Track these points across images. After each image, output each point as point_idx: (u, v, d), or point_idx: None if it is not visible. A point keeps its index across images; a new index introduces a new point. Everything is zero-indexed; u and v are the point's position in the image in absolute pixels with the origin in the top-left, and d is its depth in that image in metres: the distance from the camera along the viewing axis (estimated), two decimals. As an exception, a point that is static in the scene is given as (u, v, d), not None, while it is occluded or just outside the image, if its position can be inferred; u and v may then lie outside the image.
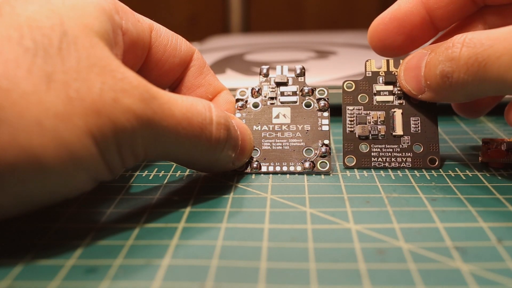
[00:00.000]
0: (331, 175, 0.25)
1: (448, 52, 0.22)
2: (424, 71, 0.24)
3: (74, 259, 0.18)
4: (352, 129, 0.26)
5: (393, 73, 0.26)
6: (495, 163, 0.25)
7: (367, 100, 0.26)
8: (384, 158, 0.26)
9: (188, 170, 0.26)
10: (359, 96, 0.26)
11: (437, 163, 0.25)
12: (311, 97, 0.27)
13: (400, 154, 0.26)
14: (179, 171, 0.26)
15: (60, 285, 0.16)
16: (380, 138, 0.26)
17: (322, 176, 0.25)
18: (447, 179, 0.24)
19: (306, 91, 0.27)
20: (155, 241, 0.19)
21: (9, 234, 0.19)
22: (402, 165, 0.25)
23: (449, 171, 0.25)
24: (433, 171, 0.25)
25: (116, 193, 0.23)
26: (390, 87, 0.26)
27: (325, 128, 0.26)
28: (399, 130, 0.26)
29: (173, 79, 0.26)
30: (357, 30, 0.68)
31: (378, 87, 0.26)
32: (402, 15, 0.25)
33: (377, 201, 0.22)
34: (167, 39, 0.25)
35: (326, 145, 0.25)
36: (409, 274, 0.16)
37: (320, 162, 0.25)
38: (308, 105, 0.26)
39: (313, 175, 0.25)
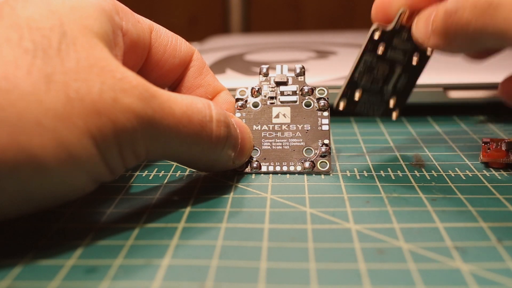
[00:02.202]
0: (331, 175, 0.25)
1: None
2: (434, 15, 0.23)
3: (74, 259, 0.18)
4: (357, 77, 0.25)
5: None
6: (495, 163, 0.25)
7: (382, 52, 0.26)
8: (366, 105, 0.26)
9: (188, 170, 0.26)
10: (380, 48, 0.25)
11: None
12: (311, 97, 0.27)
13: (378, 106, 0.26)
14: (179, 171, 0.26)
15: (60, 285, 0.16)
16: (371, 89, 0.26)
17: (322, 176, 0.25)
18: (447, 179, 0.24)
19: (306, 90, 0.27)
20: (155, 241, 0.19)
21: (9, 234, 0.19)
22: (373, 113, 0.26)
23: (449, 171, 0.25)
24: (433, 171, 0.25)
25: (116, 193, 0.23)
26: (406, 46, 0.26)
27: (325, 127, 0.26)
28: (390, 86, 0.26)
29: (173, 79, 0.26)
30: (357, 30, 0.68)
31: (396, 42, 0.25)
32: None
33: (377, 201, 0.22)
34: (167, 40, 0.25)
35: (326, 145, 0.25)
36: (409, 274, 0.16)
37: (320, 162, 0.25)
38: (308, 105, 0.26)
39: (313, 175, 0.25)
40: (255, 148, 0.26)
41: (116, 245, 0.19)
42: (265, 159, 0.25)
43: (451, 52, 0.24)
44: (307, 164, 0.25)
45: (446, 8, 0.22)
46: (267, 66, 0.27)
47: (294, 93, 0.27)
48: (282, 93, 0.27)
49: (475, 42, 0.22)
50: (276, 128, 0.26)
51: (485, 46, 0.22)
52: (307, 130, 0.26)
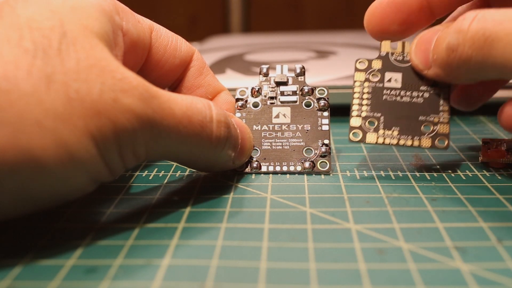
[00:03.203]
0: (331, 175, 0.25)
1: (457, 25, 0.21)
2: (434, 45, 0.23)
3: (74, 259, 0.18)
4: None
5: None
6: (495, 163, 0.25)
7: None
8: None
9: (188, 170, 0.26)
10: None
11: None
12: (311, 97, 0.27)
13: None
14: (179, 171, 0.26)
15: (60, 285, 0.16)
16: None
17: (322, 176, 0.25)
18: (447, 179, 0.24)
19: (306, 90, 0.27)
20: (155, 241, 0.19)
21: (9, 234, 0.19)
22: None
23: (449, 171, 0.25)
24: (433, 171, 0.25)
25: (116, 193, 0.23)
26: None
27: (325, 127, 0.26)
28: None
29: (173, 79, 0.26)
30: (357, 30, 0.68)
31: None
32: (400, 0, 0.25)
33: (377, 201, 0.22)
34: (167, 40, 0.25)
35: (326, 145, 0.25)
36: (409, 274, 0.16)
37: (320, 162, 0.25)
38: (308, 105, 0.26)
39: (313, 175, 0.25)
40: (255, 148, 0.26)
41: (116, 245, 0.19)
42: (265, 159, 0.25)
43: (452, 82, 0.25)
44: (307, 164, 0.25)
45: (448, 42, 0.22)
46: (267, 66, 0.27)
47: (294, 93, 0.27)
48: (282, 93, 0.27)
49: (476, 74, 0.22)
50: (276, 128, 0.26)
51: (487, 78, 0.22)
52: (307, 130, 0.26)
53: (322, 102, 0.26)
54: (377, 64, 0.26)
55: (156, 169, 0.26)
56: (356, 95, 0.25)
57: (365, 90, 0.25)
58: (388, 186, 0.23)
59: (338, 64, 0.43)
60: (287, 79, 0.27)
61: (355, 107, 0.25)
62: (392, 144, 0.25)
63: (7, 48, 0.17)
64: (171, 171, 0.26)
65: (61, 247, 0.18)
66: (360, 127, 0.25)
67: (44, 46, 0.17)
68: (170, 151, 0.20)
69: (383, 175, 0.25)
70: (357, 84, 0.26)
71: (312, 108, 0.26)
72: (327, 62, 0.44)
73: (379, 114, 0.25)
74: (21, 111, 0.16)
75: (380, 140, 0.25)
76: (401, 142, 0.25)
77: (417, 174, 0.25)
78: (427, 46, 0.24)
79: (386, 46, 0.26)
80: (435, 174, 0.25)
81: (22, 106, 0.16)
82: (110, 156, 0.18)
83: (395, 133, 0.25)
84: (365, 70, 0.26)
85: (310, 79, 0.33)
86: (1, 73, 0.16)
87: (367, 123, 0.25)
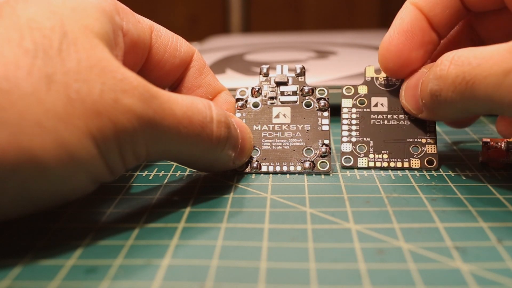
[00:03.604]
0: (331, 175, 0.25)
1: (436, 70, 0.21)
2: (420, 90, 0.23)
3: (74, 259, 0.18)
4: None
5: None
6: (495, 163, 0.25)
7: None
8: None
9: (188, 170, 0.26)
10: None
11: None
12: (311, 97, 0.27)
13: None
14: (179, 171, 0.26)
15: (60, 285, 0.16)
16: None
17: (322, 176, 0.25)
18: (447, 179, 0.24)
19: (306, 90, 0.27)
20: (155, 241, 0.19)
21: (9, 234, 0.19)
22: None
23: (449, 171, 0.25)
24: (433, 171, 0.25)
25: (116, 193, 0.23)
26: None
27: (325, 128, 0.26)
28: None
29: (173, 79, 0.26)
30: (357, 30, 0.68)
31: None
32: (409, 25, 0.24)
33: (377, 201, 0.22)
34: (167, 40, 0.25)
35: (326, 145, 0.25)
36: (409, 274, 0.16)
37: (320, 162, 0.25)
38: (308, 105, 0.26)
39: (313, 175, 0.25)
40: (255, 148, 0.26)
41: (116, 245, 0.19)
42: (265, 159, 0.26)
43: (445, 120, 0.26)
44: (307, 164, 0.25)
45: (430, 88, 0.22)
46: (267, 66, 0.27)
47: (294, 93, 0.27)
48: (282, 93, 0.27)
49: (465, 113, 0.22)
50: (276, 128, 0.26)
51: (477, 113, 0.23)
52: (307, 130, 0.26)
53: (322, 102, 0.26)
54: (363, 90, 0.27)
55: (156, 169, 0.26)
56: (344, 121, 0.26)
57: (353, 116, 0.27)
58: (388, 186, 0.23)
59: (338, 64, 0.43)
60: (287, 79, 0.27)
61: (344, 133, 0.26)
62: (383, 167, 0.26)
63: (7, 48, 0.17)
64: (171, 171, 0.26)
65: (61, 247, 0.18)
66: (351, 153, 0.26)
67: (45, 46, 0.17)
68: (170, 151, 0.20)
69: (383, 175, 0.25)
70: (345, 110, 0.27)
71: (312, 108, 0.26)
72: (327, 62, 0.44)
73: (368, 139, 0.26)
74: (22, 111, 0.16)
75: (371, 164, 0.26)
76: (392, 164, 0.25)
77: (417, 174, 0.25)
78: (414, 92, 0.24)
79: (370, 71, 0.27)
80: (435, 174, 0.25)
81: (22, 106, 0.16)
82: (110, 157, 0.18)
83: (385, 156, 0.26)
84: (351, 97, 0.27)
85: (310, 79, 0.33)
86: (2, 73, 0.16)
87: (357, 148, 0.26)
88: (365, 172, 0.25)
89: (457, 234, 0.19)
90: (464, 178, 0.24)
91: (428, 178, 0.24)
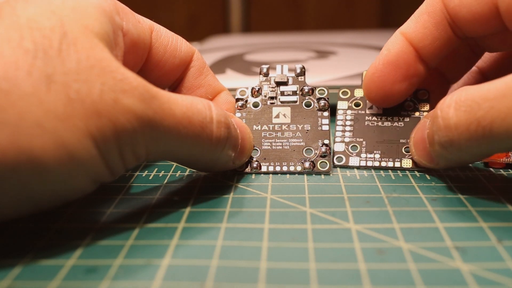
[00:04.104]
0: (331, 175, 0.25)
1: (438, 121, 0.20)
2: (428, 143, 0.22)
3: (74, 259, 0.18)
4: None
5: None
6: (495, 163, 0.25)
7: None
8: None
9: (188, 170, 0.26)
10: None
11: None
12: (311, 97, 0.27)
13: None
14: (179, 171, 0.26)
15: (60, 285, 0.16)
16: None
17: (322, 176, 0.25)
18: (447, 179, 0.24)
19: (306, 90, 0.27)
20: (155, 241, 0.19)
21: (9, 234, 0.19)
22: None
23: (449, 171, 0.25)
24: (433, 171, 0.25)
25: (116, 193, 0.23)
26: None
27: (325, 128, 0.26)
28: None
29: (173, 79, 0.26)
30: (357, 30, 0.68)
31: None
32: (394, 57, 0.24)
33: (377, 201, 0.22)
34: (167, 40, 0.25)
35: (326, 145, 0.25)
36: (409, 274, 0.16)
37: (320, 162, 0.25)
38: (308, 105, 0.26)
39: (313, 175, 0.25)
40: (255, 148, 0.26)
41: (116, 245, 0.19)
42: (265, 159, 0.26)
43: (467, 164, 0.25)
44: (307, 164, 0.25)
45: (439, 141, 0.21)
46: (267, 66, 0.27)
47: (294, 93, 0.27)
48: (282, 93, 0.27)
49: (485, 156, 0.21)
50: (276, 128, 0.26)
51: (498, 152, 0.21)
52: (307, 130, 0.26)
53: (322, 102, 0.26)
54: (359, 93, 0.27)
55: (156, 169, 0.26)
56: (339, 122, 0.27)
57: (348, 117, 0.27)
58: (388, 186, 0.23)
59: (338, 64, 0.43)
60: (287, 79, 0.27)
61: (338, 133, 0.27)
62: (374, 167, 0.26)
63: (7, 48, 0.17)
64: (171, 171, 0.26)
65: (61, 247, 0.18)
66: (343, 152, 0.26)
67: (45, 46, 0.17)
68: (170, 151, 0.20)
69: (383, 175, 0.25)
70: (340, 112, 0.27)
71: (312, 108, 0.26)
72: (327, 62, 0.44)
73: (361, 139, 0.26)
74: (22, 111, 0.16)
75: (363, 163, 0.26)
76: (383, 164, 0.26)
77: (417, 174, 0.25)
78: (423, 145, 0.23)
79: None
80: (435, 174, 0.25)
81: (22, 107, 0.16)
82: (110, 157, 0.18)
83: (377, 156, 0.26)
84: (347, 99, 0.27)
85: (310, 79, 0.33)
86: (2, 74, 0.16)
87: (350, 148, 0.26)
88: (365, 172, 0.25)
89: (457, 234, 0.19)
90: (464, 178, 0.24)
91: (428, 178, 0.24)
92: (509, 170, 0.25)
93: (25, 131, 0.16)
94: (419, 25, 0.24)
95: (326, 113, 0.26)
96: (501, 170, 0.25)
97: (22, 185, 0.17)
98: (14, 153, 0.16)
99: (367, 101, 0.27)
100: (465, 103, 0.19)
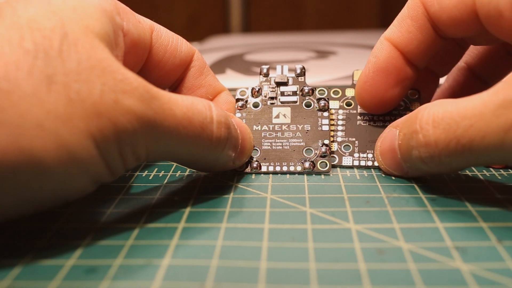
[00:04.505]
0: (331, 175, 0.25)
1: (419, 137, 0.20)
2: (400, 155, 0.22)
3: (74, 259, 0.18)
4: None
5: None
6: (495, 163, 0.25)
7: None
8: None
9: (188, 170, 0.26)
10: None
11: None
12: (311, 97, 0.27)
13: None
14: (179, 171, 0.26)
15: (60, 285, 0.16)
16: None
17: (322, 176, 0.25)
18: (447, 179, 0.24)
19: (306, 91, 0.27)
20: (155, 241, 0.19)
21: (9, 234, 0.19)
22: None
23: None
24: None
25: (116, 193, 0.23)
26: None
27: (325, 128, 0.26)
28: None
29: (173, 79, 0.26)
30: (357, 30, 0.68)
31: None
32: (384, 63, 0.24)
33: (377, 201, 0.22)
34: (167, 40, 0.25)
35: (326, 145, 0.25)
36: (409, 274, 0.16)
37: (320, 162, 0.25)
38: (308, 105, 0.27)
39: (313, 175, 0.25)
40: (255, 148, 0.26)
41: (116, 245, 0.19)
42: (265, 159, 0.26)
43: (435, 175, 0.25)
44: (307, 164, 0.25)
45: (418, 156, 0.21)
46: (267, 66, 0.27)
47: (294, 93, 0.27)
48: (282, 94, 0.27)
49: (461, 169, 0.22)
50: (276, 128, 0.26)
51: (476, 166, 0.22)
52: (307, 130, 0.26)
53: (322, 103, 0.26)
54: (350, 92, 0.27)
55: (156, 169, 0.26)
56: (331, 122, 0.27)
57: (340, 117, 0.27)
58: (388, 186, 0.23)
59: (338, 64, 0.43)
60: (287, 79, 0.27)
61: (331, 133, 0.26)
62: (367, 166, 0.26)
63: (8, 48, 0.17)
64: (171, 171, 0.26)
65: (61, 247, 0.18)
66: (336, 152, 0.26)
67: (45, 46, 0.17)
68: (170, 151, 0.20)
69: (383, 175, 0.25)
70: (332, 111, 0.27)
71: (312, 108, 0.26)
72: (327, 62, 0.44)
73: (353, 139, 0.26)
74: (22, 112, 0.16)
75: (356, 163, 0.26)
76: (376, 163, 0.25)
77: (417, 174, 0.25)
78: (393, 154, 0.23)
79: (358, 74, 0.27)
80: (435, 174, 0.25)
81: (22, 107, 0.16)
82: (110, 157, 0.18)
83: (370, 155, 0.26)
84: (339, 99, 0.27)
85: (310, 79, 0.33)
86: (2, 74, 0.16)
87: (342, 147, 0.26)
88: (365, 172, 0.25)
89: (457, 234, 0.19)
90: (464, 178, 0.24)
91: (428, 178, 0.24)
92: (509, 170, 0.25)
93: (25, 132, 0.16)
94: (403, 30, 0.24)
95: (326, 113, 0.26)
96: (501, 170, 0.25)
97: (22, 185, 0.17)
98: (15, 153, 0.16)
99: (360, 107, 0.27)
100: (444, 120, 0.19)
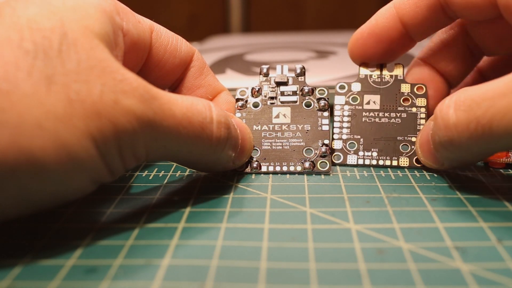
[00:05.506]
0: (331, 175, 0.25)
1: (438, 121, 0.21)
2: (432, 144, 0.23)
3: (74, 259, 0.18)
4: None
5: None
6: (495, 163, 0.25)
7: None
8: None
9: (188, 170, 0.26)
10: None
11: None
12: (311, 97, 0.27)
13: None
14: (179, 171, 0.26)
15: (60, 285, 0.16)
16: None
17: (322, 176, 0.25)
18: (447, 179, 0.24)
19: (306, 90, 0.27)
20: (155, 241, 0.19)
21: (9, 234, 0.19)
22: None
23: (449, 171, 0.25)
24: (433, 171, 0.25)
25: (116, 193, 0.23)
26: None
27: (325, 128, 0.26)
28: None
29: (173, 79, 0.26)
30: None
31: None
32: (379, 30, 0.26)
33: (377, 201, 0.22)
34: (167, 40, 0.25)
35: (326, 145, 0.25)
36: (409, 274, 0.16)
37: (320, 162, 0.25)
38: (308, 105, 0.26)
39: (313, 175, 0.25)
40: (255, 148, 0.26)
41: (116, 245, 0.19)
42: (265, 159, 0.26)
43: (470, 166, 0.25)
44: (307, 164, 0.25)
45: (439, 141, 0.21)
46: (267, 66, 0.27)
47: (294, 93, 0.27)
48: (282, 93, 0.27)
49: (485, 155, 0.22)
50: (276, 128, 0.26)
51: (497, 151, 0.22)
52: (307, 130, 0.26)
53: (322, 102, 0.26)
54: (356, 87, 0.27)
55: (156, 169, 0.26)
56: (336, 118, 0.27)
57: (345, 113, 0.27)
58: (388, 186, 0.23)
59: (338, 64, 0.43)
60: (287, 79, 0.27)
61: (336, 130, 0.27)
62: (371, 165, 0.26)
63: (7, 49, 0.17)
64: (171, 171, 0.26)
65: (61, 247, 0.18)
66: (341, 150, 0.26)
67: (45, 47, 0.17)
68: (170, 152, 0.20)
69: (383, 175, 0.25)
70: (337, 107, 0.27)
71: (312, 108, 0.26)
72: (327, 62, 0.44)
73: (358, 136, 0.26)
74: (22, 112, 0.16)
75: (360, 161, 0.26)
76: (380, 162, 0.26)
77: (417, 174, 0.25)
78: (428, 147, 0.23)
79: (364, 69, 0.27)
80: (435, 174, 0.25)
81: (22, 107, 0.16)
82: (110, 157, 0.18)
83: (374, 154, 0.26)
84: (345, 94, 0.27)
85: (310, 79, 0.33)
86: (2, 74, 0.16)
87: (347, 145, 0.26)
88: (365, 172, 0.25)
89: (457, 234, 0.19)
90: (464, 178, 0.24)
91: (428, 178, 0.24)
92: (509, 170, 0.25)
93: (25, 132, 0.16)
94: (411, 3, 0.25)
95: (326, 113, 0.26)
96: (501, 170, 0.25)
97: (22, 186, 0.17)
98: (14, 153, 0.16)
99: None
100: (465, 103, 0.20)
